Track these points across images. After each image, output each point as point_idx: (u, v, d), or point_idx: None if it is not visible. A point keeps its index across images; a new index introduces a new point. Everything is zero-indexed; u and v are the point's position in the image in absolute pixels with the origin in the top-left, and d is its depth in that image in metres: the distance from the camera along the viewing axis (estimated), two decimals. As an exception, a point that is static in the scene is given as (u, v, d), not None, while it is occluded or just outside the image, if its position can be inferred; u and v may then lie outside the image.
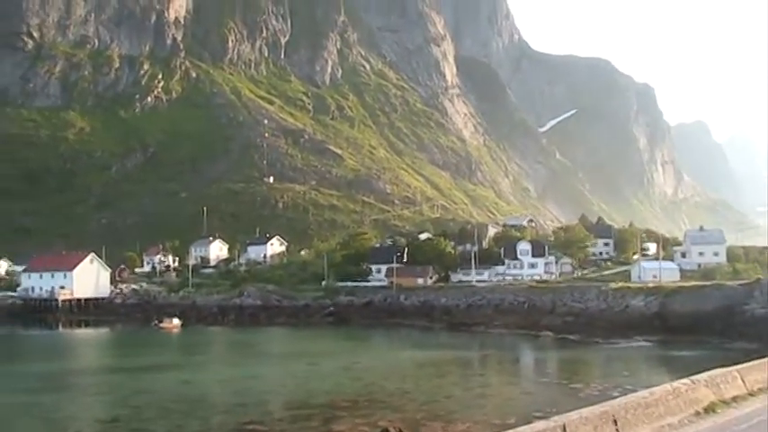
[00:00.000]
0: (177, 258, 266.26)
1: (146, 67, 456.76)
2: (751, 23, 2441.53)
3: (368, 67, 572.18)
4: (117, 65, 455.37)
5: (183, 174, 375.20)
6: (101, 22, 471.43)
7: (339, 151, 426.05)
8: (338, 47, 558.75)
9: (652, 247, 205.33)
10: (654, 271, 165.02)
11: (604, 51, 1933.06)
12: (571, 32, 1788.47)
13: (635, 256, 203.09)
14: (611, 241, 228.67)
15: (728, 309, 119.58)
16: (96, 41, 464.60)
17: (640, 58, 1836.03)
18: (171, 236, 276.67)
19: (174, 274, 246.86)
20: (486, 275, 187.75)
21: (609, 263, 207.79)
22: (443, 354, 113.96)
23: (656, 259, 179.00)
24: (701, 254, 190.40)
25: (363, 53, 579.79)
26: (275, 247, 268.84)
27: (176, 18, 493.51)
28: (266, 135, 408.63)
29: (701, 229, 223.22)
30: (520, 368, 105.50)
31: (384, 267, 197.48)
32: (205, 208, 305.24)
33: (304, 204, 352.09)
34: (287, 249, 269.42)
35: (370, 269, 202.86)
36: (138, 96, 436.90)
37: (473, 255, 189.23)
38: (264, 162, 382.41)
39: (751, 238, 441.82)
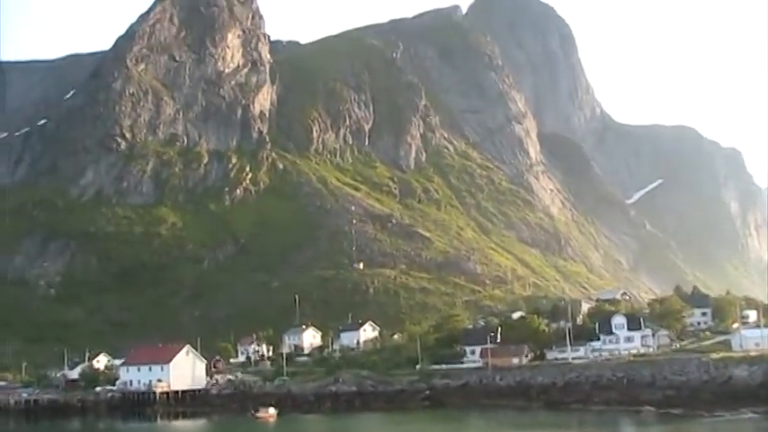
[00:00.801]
0: (271, 347, 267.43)
1: (233, 160, 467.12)
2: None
3: (451, 148, 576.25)
4: (206, 160, 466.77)
5: (274, 263, 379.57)
6: (188, 119, 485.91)
7: (427, 234, 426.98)
8: (421, 130, 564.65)
9: (752, 315, 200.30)
10: (756, 339, 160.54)
11: (689, 118, 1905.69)
12: (653, 101, 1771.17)
13: (734, 325, 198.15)
14: (708, 311, 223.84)
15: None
16: (185, 138, 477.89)
17: (726, 122, 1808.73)
18: (264, 325, 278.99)
19: (268, 363, 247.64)
20: (581, 352, 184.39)
21: (707, 333, 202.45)
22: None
23: (758, 327, 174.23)
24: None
25: (446, 135, 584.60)
26: (368, 332, 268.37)
27: (261, 111, 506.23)
28: (354, 221, 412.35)
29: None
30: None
31: (478, 348, 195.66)
32: (297, 296, 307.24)
33: (395, 288, 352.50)
34: (380, 334, 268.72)
35: (464, 351, 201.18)
36: (227, 189, 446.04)
37: (567, 331, 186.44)
38: (353, 248, 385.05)
39: None
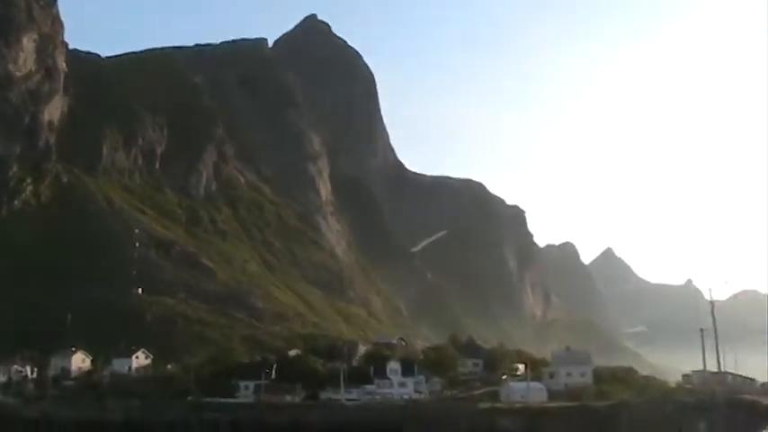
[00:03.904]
0: (36, 369, 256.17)
1: (14, 169, 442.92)
2: (616, 145, 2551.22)
3: (243, 180, 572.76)
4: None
5: (48, 281, 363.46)
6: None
7: (211, 264, 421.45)
8: (214, 159, 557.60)
9: (521, 368, 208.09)
10: (521, 391, 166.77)
11: (477, 173, 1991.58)
12: (444, 154, 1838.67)
13: (504, 377, 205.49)
14: (480, 361, 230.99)
15: (595, 429, 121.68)
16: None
17: (511, 181, 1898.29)
18: (31, 346, 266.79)
19: (31, 385, 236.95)
20: (355, 394, 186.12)
21: (478, 383, 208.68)
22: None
23: (525, 380, 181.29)
24: (568, 374, 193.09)
25: (239, 167, 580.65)
26: (141, 360, 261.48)
27: (50, 121, 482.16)
28: (137, 245, 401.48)
29: (568, 349, 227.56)
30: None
31: (252, 384, 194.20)
32: (69, 316, 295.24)
33: (173, 317, 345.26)
34: (153, 363, 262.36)
35: (239, 385, 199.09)
36: (5, 199, 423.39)
37: (342, 372, 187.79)
38: (134, 272, 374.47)
39: (618, 358, 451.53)
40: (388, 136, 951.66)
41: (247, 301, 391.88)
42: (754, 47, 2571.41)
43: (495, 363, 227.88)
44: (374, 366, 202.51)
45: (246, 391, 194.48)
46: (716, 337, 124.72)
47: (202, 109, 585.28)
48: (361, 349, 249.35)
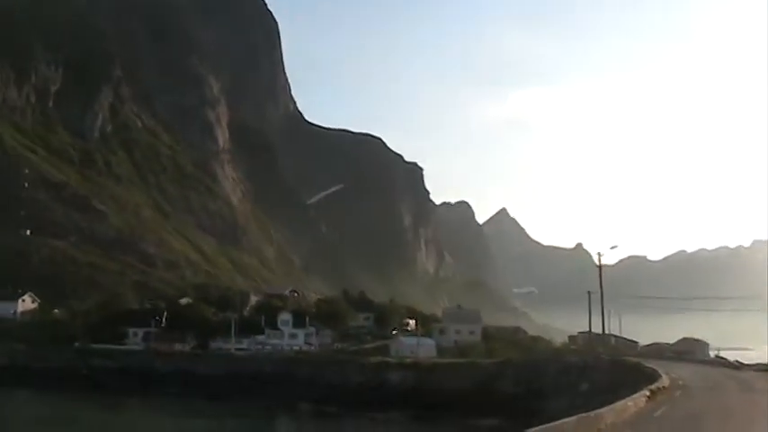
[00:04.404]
0: None
1: None
2: (514, 108, 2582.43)
3: (140, 124, 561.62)
4: None
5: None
6: None
7: (103, 208, 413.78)
8: (110, 101, 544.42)
9: (412, 323, 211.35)
10: (411, 346, 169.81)
11: (376, 128, 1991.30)
12: (345, 107, 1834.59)
13: (394, 332, 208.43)
14: (371, 315, 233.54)
15: (482, 386, 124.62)
16: None
17: (410, 137, 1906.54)
18: None
19: None
20: (245, 344, 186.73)
21: (369, 337, 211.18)
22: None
23: (415, 335, 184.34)
24: (457, 332, 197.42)
25: (136, 110, 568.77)
26: (27, 303, 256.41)
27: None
28: (26, 185, 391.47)
29: (459, 307, 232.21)
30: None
31: (141, 331, 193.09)
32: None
33: (62, 261, 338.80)
34: (40, 307, 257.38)
35: (127, 332, 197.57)
36: None
37: (233, 322, 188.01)
38: (22, 213, 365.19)
39: (508, 318, 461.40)
40: (289, 86, 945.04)
41: (140, 247, 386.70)
42: (695, 28, 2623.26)
43: (386, 318, 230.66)
44: (265, 317, 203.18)
45: (135, 339, 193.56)
46: (602, 301, 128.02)
47: (100, 49, 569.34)
48: (253, 300, 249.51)
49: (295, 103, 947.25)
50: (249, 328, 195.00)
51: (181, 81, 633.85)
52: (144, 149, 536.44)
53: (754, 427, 50.00)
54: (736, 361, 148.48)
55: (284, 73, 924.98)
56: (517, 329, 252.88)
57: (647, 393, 60.51)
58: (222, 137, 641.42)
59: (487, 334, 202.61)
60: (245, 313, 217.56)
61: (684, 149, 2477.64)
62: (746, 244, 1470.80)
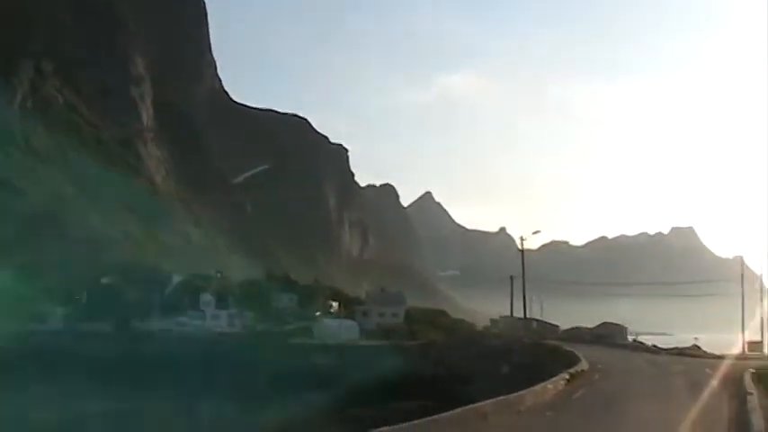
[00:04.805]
0: None
1: None
2: (441, 94, 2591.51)
3: (61, 100, 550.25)
4: None
5: None
6: None
7: (21, 186, 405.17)
8: (31, 76, 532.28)
9: (335, 305, 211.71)
10: (334, 328, 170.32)
11: (303, 111, 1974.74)
12: (272, 87, 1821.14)
13: (317, 313, 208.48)
14: (295, 296, 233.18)
15: (404, 368, 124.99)
16: None
17: (337, 121, 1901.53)
18: None
19: None
20: (167, 324, 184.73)
21: (292, 318, 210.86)
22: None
23: (338, 317, 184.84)
24: (381, 314, 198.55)
25: (58, 86, 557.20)
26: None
27: None
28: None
29: (383, 290, 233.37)
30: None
31: (61, 311, 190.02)
32: None
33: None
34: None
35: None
36: None
37: (155, 303, 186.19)
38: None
39: (432, 301, 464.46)
40: (216, 64, 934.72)
41: (60, 226, 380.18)
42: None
43: (309, 299, 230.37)
44: (188, 298, 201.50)
45: (55, 318, 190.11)
46: (524, 285, 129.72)
47: (21, 21, 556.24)
48: (176, 280, 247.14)
49: (221, 82, 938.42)
50: (171, 308, 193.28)
51: (105, 58, 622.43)
52: (65, 126, 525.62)
53: (667, 407, 50.85)
54: (654, 345, 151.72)
55: (211, 52, 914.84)
56: (440, 312, 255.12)
57: (567, 377, 61.26)
58: (147, 114, 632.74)
59: (411, 316, 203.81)
60: (168, 294, 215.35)
61: (607, 136, 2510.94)
62: (665, 231, 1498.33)
